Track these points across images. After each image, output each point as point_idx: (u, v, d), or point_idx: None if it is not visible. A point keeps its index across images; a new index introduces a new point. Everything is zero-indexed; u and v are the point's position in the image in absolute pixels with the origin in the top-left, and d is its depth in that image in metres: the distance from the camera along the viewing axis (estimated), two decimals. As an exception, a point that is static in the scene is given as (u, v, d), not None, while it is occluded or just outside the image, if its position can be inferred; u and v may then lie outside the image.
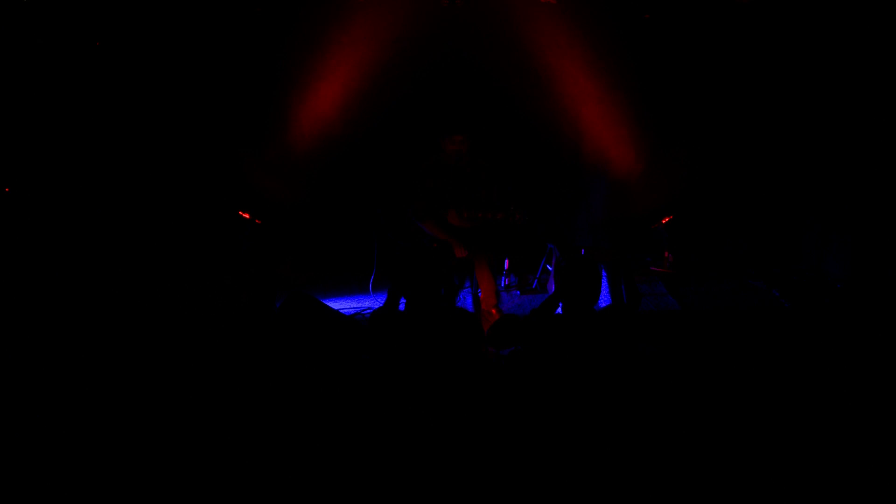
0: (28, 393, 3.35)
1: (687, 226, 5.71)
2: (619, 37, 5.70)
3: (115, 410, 3.17)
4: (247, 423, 2.97)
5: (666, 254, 5.53)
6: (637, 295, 4.59)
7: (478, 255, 4.61)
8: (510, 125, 5.84)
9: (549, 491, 2.67)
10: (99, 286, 4.88)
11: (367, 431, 2.88)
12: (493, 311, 4.55)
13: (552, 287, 5.06)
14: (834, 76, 5.45)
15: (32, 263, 4.92)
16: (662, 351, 3.94)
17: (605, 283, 4.62)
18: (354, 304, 5.02)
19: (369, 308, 4.89)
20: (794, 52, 5.53)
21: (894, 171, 5.22)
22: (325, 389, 3.12)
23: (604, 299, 4.55)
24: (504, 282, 5.53)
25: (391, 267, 4.78)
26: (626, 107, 5.82)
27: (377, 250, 4.98)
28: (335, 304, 4.81)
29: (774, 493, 2.71)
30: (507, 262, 5.56)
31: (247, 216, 5.80)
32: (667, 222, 5.54)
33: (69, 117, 5.39)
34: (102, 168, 5.55)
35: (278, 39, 5.73)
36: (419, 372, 3.01)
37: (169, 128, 5.73)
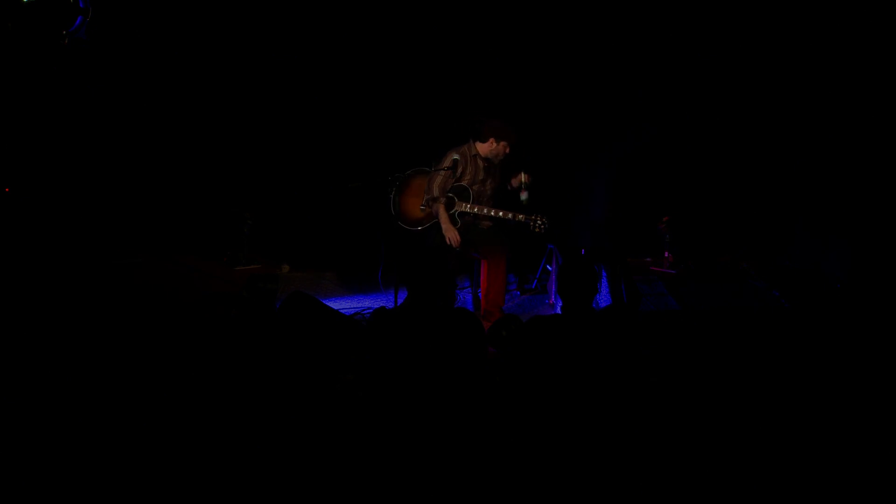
0: (28, 393, 3.35)
1: (687, 226, 5.71)
2: (618, 36, 5.71)
3: (115, 410, 3.17)
4: (247, 423, 2.97)
5: (666, 254, 5.53)
6: (637, 295, 4.58)
7: (493, 252, 4.58)
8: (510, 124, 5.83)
9: (549, 491, 2.67)
10: (99, 284, 4.88)
11: (367, 431, 2.88)
12: (498, 311, 4.53)
13: (552, 287, 5.05)
14: (834, 76, 5.45)
15: (34, 263, 4.92)
16: (662, 351, 3.94)
17: (605, 283, 4.62)
18: (354, 304, 5.02)
19: (369, 308, 4.88)
20: (794, 51, 5.53)
21: (893, 171, 5.21)
22: (325, 389, 3.12)
23: (604, 299, 4.55)
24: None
25: (403, 266, 4.74)
26: (626, 106, 5.82)
27: (384, 245, 4.96)
28: (335, 304, 4.80)
29: (774, 493, 2.71)
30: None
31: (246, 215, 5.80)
32: (667, 222, 5.54)
33: (69, 118, 5.39)
34: (102, 168, 5.56)
35: (278, 39, 5.74)
36: (419, 372, 3.01)
37: (169, 128, 5.74)
